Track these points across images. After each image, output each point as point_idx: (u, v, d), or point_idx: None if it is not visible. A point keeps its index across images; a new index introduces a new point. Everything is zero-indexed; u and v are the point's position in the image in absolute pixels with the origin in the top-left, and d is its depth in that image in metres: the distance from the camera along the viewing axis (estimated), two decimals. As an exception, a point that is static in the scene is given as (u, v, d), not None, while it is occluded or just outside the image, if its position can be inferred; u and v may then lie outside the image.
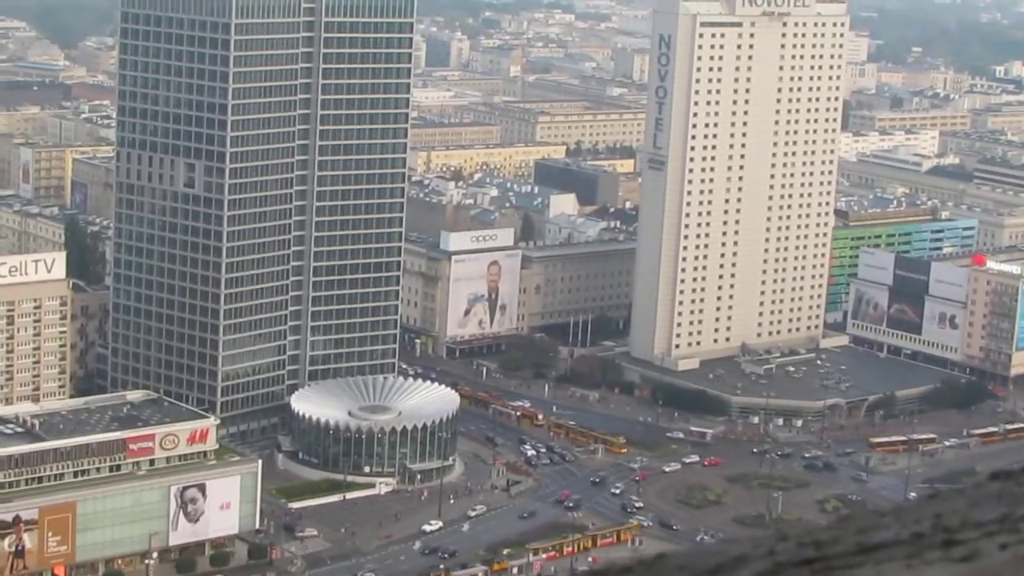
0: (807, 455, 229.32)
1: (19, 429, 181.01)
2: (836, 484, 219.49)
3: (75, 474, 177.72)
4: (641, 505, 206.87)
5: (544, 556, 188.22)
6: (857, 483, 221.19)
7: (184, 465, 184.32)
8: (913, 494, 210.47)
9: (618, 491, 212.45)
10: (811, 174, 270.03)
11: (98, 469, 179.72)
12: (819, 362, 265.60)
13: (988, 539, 8.06)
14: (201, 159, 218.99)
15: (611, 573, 8.42)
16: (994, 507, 8.58)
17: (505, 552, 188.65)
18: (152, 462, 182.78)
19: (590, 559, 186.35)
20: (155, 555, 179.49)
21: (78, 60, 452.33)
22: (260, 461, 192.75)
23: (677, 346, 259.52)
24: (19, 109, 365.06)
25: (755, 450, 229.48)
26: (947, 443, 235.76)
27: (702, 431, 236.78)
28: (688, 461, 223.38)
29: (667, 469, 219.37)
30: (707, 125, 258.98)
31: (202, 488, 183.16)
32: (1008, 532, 8.04)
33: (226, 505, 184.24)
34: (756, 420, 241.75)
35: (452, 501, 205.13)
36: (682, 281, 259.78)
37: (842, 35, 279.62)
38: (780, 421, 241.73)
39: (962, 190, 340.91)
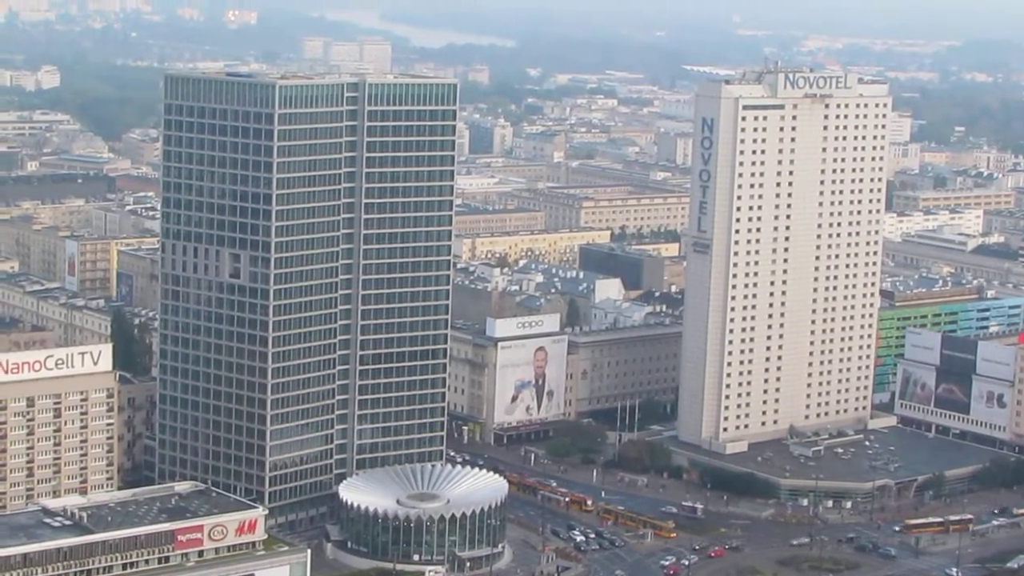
0: (854, 536, 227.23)
1: (67, 522, 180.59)
2: (886, 566, 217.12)
3: (124, 566, 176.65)
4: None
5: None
6: (906, 563, 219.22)
7: (233, 556, 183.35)
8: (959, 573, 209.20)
9: (674, 572, 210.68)
10: (856, 255, 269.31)
11: (147, 561, 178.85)
12: (867, 443, 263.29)
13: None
14: (246, 249, 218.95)
15: None
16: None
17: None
18: (201, 553, 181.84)
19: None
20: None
21: (122, 152, 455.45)
22: (309, 551, 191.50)
23: (725, 429, 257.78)
24: (64, 202, 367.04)
25: (809, 535, 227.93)
26: (996, 522, 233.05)
27: (693, 506, 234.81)
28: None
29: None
30: (751, 208, 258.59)
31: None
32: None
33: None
34: (805, 502, 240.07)
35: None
36: (729, 364, 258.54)
37: (885, 116, 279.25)
38: (830, 503, 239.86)
39: (1007, 268, 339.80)
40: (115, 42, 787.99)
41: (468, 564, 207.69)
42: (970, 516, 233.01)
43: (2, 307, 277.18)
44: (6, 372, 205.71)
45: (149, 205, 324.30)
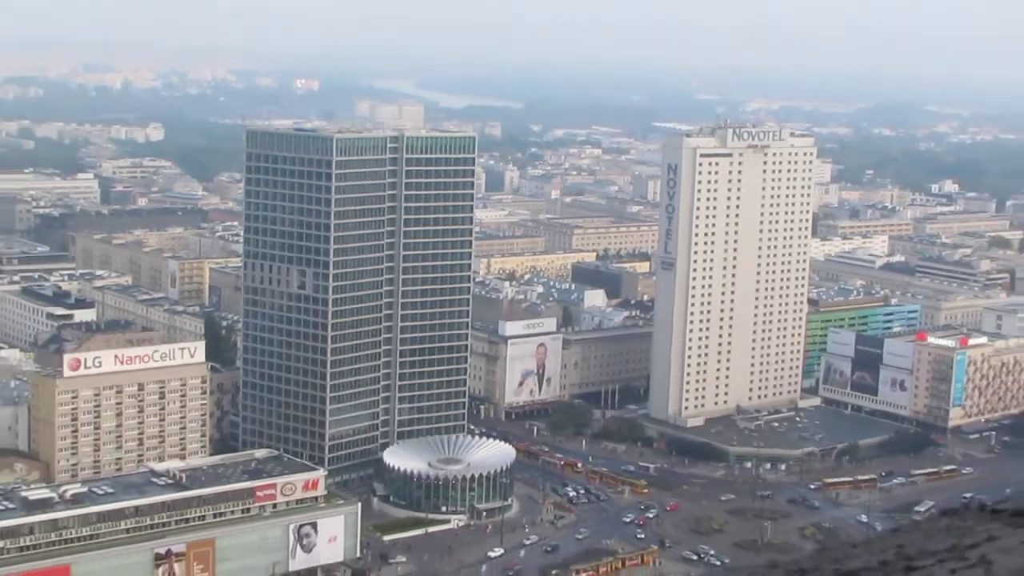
0: (770, 493, 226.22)
1: (170, 481, 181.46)
2: (812, 515, 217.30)
3: (214, 515, 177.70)
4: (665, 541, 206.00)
5: (587, 575, 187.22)
6: (828, 512, 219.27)
7: (300, 508, 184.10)
8: (878, 525, 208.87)
9: (643, 523, 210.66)
10: (788, 271, 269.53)
11: (232, 512, 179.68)
12: (797, 419, 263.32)
13: (940, 566, 7.95)
14: (311, 267, 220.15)
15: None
16: (944, 539, 8.47)
17: (554, 573, 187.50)
18: (275, 506, 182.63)
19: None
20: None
21: (213, 191, 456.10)
22: (359, 503, 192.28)
23: (686, 407, 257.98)
24: (167, 230, 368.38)
25: (759, 493, 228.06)
26: (897, 480, 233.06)
27: (648, 466, 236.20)
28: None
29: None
30: (706, 234, 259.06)
31: (314, 525, 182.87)
32: (956, 560, 7.94)
33: (333, 539, 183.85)
34: (749, 465, 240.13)
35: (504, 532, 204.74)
36: (688, 357, 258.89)
37: (810, 162, 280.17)
38: (768, 466, 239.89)
39: (907, 282, 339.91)
40: (207, 104, 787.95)
41: (484, 514, 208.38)
42: (874, 476, 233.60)
43: (118, 312, 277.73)
44: (122, 363, 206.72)
45: (234, 232, 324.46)
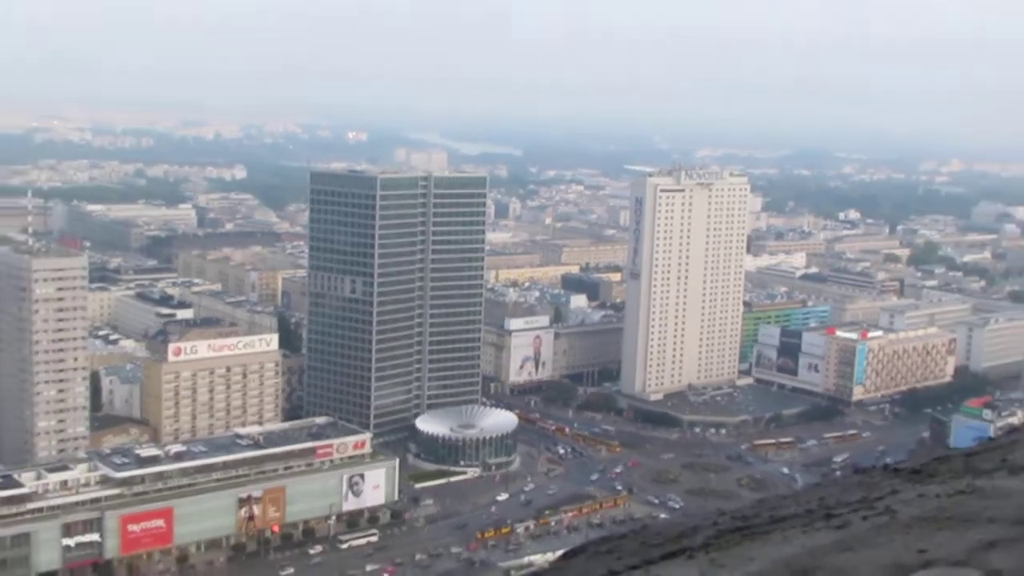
0: (701, 453, 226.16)
1: (250, 442, 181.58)
2: (746, 469, 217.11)
3: (284, 468, 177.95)
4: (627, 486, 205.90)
5: (570, 515, 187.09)
6: (759, 467, 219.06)
7: (351, 462, 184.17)
8: (797, 476, 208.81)
9: (614, 475, 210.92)
10: (728, 280, 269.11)
11: (298, 465, 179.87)
12: (735, 394, 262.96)
13: (854, 513, 7.90)
14: (360, 276, 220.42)
15: (614, 539, 8.25)
16: (856, 492, 8.42)
17: (547, 512, 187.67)
18: (331, 461, 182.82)
19: (597, 520, 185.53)
20: (333, 517, 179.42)
21: (284, 218, 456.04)
22: (397, 459, 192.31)
23: (649, 385, 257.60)
24: (248, 248, 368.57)
25: (698, 452, 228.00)
26: (812, 442, 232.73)
27: (609, 429, 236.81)
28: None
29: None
30: (664, 252, 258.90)
31: (362, 476, 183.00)
32: (867, 509, 7.89)
33: (376, 486, 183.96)
34: (698, 430, 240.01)
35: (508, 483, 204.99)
36: (651, 346, 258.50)
37: (745, 195, 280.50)
38: (712, 430, 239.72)
39: (820, 288, 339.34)
40: (279, 151, 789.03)
41: (493, 467, 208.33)
42: (793, 439, 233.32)
43: (210, 312, 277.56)
44: (213, 351, 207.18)
45: (300, 250, 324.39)
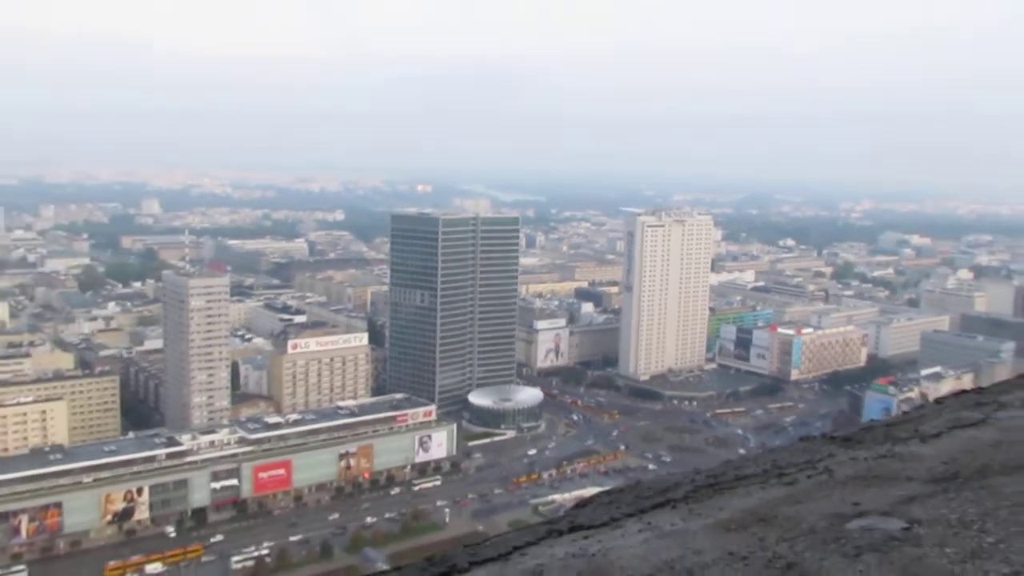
0: (699, 418, 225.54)
1: (348, 412, 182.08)
2: (711, 431, 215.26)
3: (372, 431, 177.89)
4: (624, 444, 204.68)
5: (582, 465, 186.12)
6: (721, 430, 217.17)
7: (421, 426, 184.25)
8: (749, 436, 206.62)
9: (614, 435, 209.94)
10: (697, 291, 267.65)
11: (382, 428, 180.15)
12: (703, 376, 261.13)
13: (800, 472, 7.55)
14: (427, 290, 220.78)
15: (614, 492, 7.88)
16: (803, 455, 8.06)
17: (564, 463, 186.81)
18: (407, 425, 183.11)
19: (601, 469, 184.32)
20: (408, 467, 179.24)
21: (372, 248, 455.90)
22: (455, 424, 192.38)
23: (639, 368, 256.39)
24: (346, 271, 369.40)
25: (682, 422, 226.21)
26: (758, 412, 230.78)
27: (601, 400, 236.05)
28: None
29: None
30: (649, 271, 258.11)
31: (429, 436, 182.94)
32: (811, 469, 7.54)
33: (440, 444, 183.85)
34: (676, 402, 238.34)
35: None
36: (639, 340, 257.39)
37: (709, 229, 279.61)
38: (687, 402, 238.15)
39: (766, 297, 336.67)
40: (369, 199, 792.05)
41: (525, 430, 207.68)
42: (746, 408, 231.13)
43: (318, 317, 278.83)
44: (320, 346, 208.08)
45: (384, 272, 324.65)
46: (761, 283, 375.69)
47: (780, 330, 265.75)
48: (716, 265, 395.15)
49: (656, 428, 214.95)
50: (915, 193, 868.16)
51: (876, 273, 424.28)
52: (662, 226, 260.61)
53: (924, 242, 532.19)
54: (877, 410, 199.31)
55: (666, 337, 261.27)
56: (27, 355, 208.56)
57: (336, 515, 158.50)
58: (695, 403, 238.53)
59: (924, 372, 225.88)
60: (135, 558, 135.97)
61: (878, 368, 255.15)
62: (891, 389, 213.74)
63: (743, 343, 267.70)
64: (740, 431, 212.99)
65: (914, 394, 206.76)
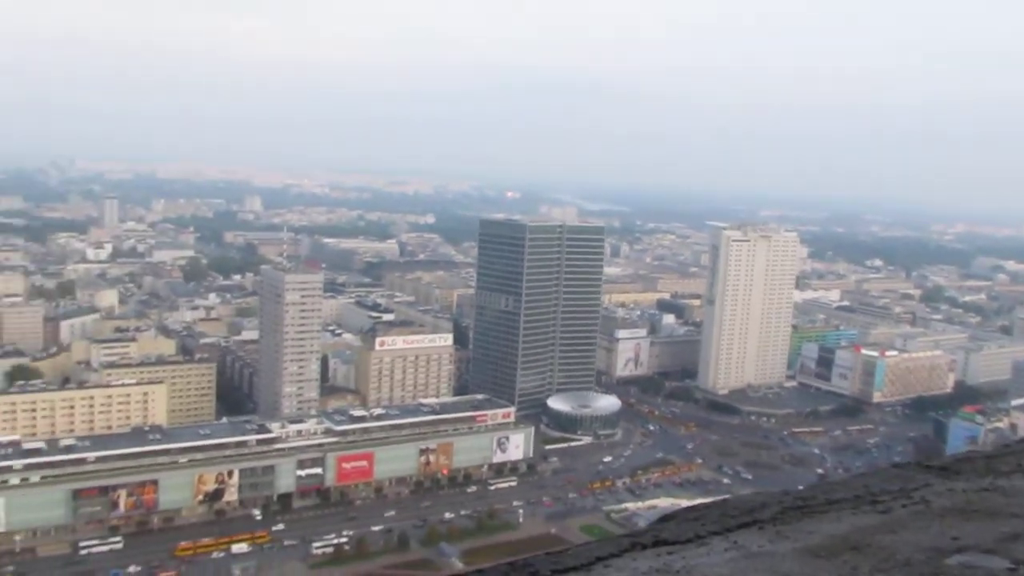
0: (775, 435, 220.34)
1: (430, 409, 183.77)
2: (787, 448, 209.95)
3: (453, 429, 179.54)
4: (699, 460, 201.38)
5: (656, 475, 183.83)
6: (798, 448, 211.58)
7: (500, 427, 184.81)
8: (826, 456, 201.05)
9: (689, 447, 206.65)
10: (780, 308, 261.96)
11: (463, 427, 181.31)
12: (782, 393, 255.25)
13: (895, 500, 7.17)
14: (512, 294, 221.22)
15: (700, 508, 7.61)
16: (896, 482, 7.66)
17: (639, 471, 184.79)
18: (486, 425, 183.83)
19: (676, 480, 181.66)
20: (485, 466, 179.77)
21: (461, 251, 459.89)
22: (533, 427, 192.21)
23: (719, 383, 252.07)
24: (434, 272, 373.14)
25: (765, 437, 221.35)
26: (837, 432, 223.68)
27: (674, 410, 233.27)
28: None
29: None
30: (733, 285, 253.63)
31: (507, 437, 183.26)
32: (905, 498, 7.16)
33: (518, 446, 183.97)
34: (753, 417, 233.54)
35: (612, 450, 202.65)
36: (720, 354, 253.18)
37: (795, 245, 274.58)
38: (764, 419, 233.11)
39: (850, 317, 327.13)
40: (458, 204, 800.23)
41: (601, 436, 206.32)
42: (824, 428, 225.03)
43: (406, 316, 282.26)
44: (407, 344, 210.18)
45: (471, 275, 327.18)
46: (846, 303, 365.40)
47: (864, 351, 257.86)
48: (801, 282, 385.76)
49: (732, 443, 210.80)
50: (1012, 217, 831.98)
51: (967, 298, 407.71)
52: (747, 241, 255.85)
53: (1020, 268, 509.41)
54: (962, 438, 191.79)
55: (747, 352, 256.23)
56: (133, 339, 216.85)
57: (414, 508, 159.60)
58: (773, 420, 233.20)
59: (1015, 402, 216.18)
60: (204, 540, 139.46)
61: (965, 395, 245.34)
62: (978, 418, 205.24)
63: (825, 362, 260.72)
64: (817, 450, 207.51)
65: (1003, 424, 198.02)
